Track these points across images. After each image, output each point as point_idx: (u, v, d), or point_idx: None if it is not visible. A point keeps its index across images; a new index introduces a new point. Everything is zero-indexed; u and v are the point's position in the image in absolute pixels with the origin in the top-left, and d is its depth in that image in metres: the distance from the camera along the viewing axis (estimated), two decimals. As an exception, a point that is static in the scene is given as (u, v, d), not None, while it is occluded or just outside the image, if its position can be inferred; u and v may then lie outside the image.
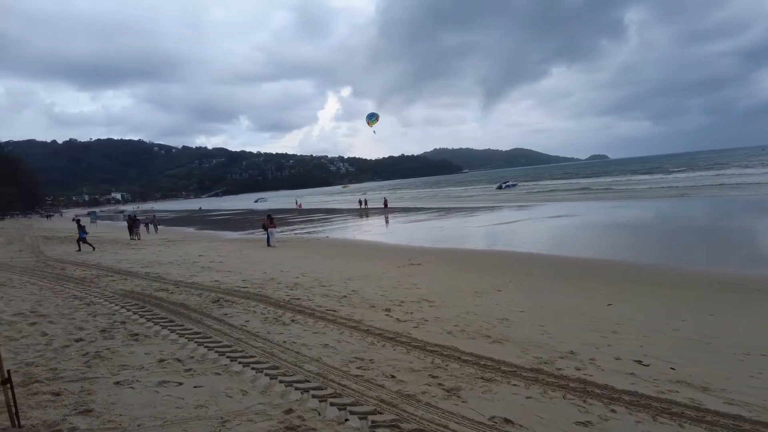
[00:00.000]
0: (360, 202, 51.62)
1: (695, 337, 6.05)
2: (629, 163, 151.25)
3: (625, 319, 6.92)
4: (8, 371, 3.82)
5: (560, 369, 4.91)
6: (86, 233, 22.12)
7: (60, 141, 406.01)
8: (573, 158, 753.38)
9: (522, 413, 3.94)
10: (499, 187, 73.03)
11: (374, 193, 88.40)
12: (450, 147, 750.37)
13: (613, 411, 3.96)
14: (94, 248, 20.57)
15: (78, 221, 24.24)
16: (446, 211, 36.45)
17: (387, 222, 32.62)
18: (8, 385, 3.77)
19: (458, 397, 4.26)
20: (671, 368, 4.94)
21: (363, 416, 3.90)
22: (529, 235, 19.68)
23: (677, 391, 4.34)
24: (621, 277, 10.43)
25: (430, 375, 4.80)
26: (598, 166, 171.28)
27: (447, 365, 5.09)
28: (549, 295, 8.78)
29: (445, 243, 18.42)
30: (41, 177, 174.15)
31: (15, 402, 3.82)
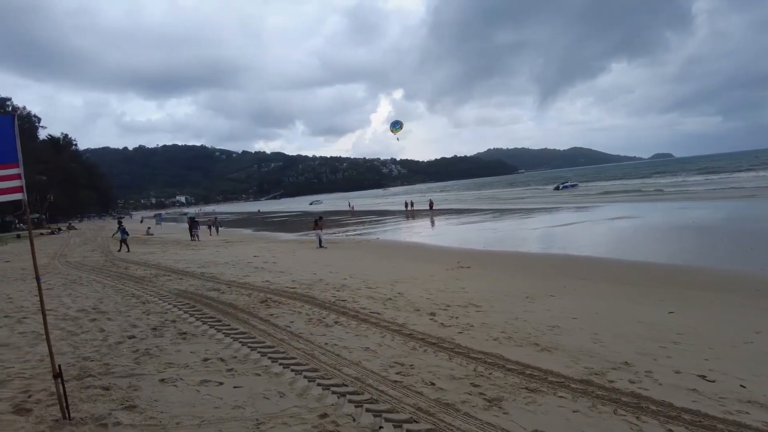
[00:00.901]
0: (406, 203, 51.90)
1: (771, 351, 5.48)
2: (696, 162, 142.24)
3: (688, 329, 6.38)
4: (59, 366, 3.99)
5: (612, 381, 4.57)
6: (127, 234, 23.38)
7: (130, 148, 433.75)
8: (635, 157, 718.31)
9: (567, 428, 3.67)
10: (557, 188, 70.54)
11: (419, 195, 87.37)
12: (504, 147, 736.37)
13: (671, 431, 3.61)
14: (127, 250, 21.74)
15: (119, 222, 25.57)
16: (500, 213, 35.62)
17: (433, 223, 32.51)
18: (59, 380, 3.95)
19: (499, 407, 4.04)
20: (741, 386, 4.47)
21: (398, 424, 3.77)
22: (587, 237, 18.84)
23: (747, 413, 3.91)
24: (685, 282, 9.70)
25: (471, 383, 4.60)
26: (662, 165, 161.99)
27: (490, 374, 4.86)
28: (605, 301, 8.29)
29: (498, 245, 17.94)
30: (115, 181, 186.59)
31: (66, 395, 4.00)
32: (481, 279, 11.02)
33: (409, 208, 49.60)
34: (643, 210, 28.24)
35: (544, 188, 79.47)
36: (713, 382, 4.57)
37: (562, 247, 16.35)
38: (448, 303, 8.31)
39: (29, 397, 4.41)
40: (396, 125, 41.71)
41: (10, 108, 67.87)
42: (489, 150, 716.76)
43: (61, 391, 3.95)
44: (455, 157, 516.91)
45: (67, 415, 3.95)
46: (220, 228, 37.69)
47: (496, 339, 6.13)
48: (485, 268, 12.54)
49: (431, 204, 46.25)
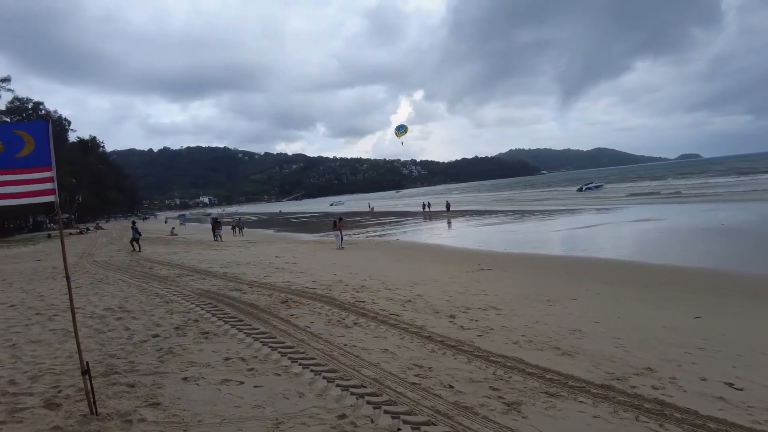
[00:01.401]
0: (423, 205, 52.26)
1: (803, 359, 5.31)
2: (725, 162, 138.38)
3: (716, 335, 6.23)
4: (87, 363, 4.11)
5: (635, 387, 4.49)
6: (140, 235, 23.89)
7: (155, 149, 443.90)
8: (660, 158, 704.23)
9: (587, 434, 3.63)
10: (580, 189, 69.37)
11: (435, 197, 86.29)
12: (526, 147, 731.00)
13: (695, 439, 3.54)
14: (140, 250, 22.38)
15: (133, 223, 26.00)
16: (521, 214, 35.26)
17: (450, 224, 32.65)
18: (87, 376, 4.07)
19: (518, 412, 4.02)
20: (771, 394, 4.35)
21: (416, 427, 3.78)
22: (610, 240, 18.50)
23: (777, 422, 3.81)
24: (712, 286, 9.45)
25: (490, 387, 4.58)
26: (688, 165, 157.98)
27: (509, 377, 4.83)
28: (628, 305, 8.14)
29: (519, 248, 17.75)
30: (140, 182, 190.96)
31: (93, 392, 4.12)
32: (502, 281, 10.92)
33: (426, 209, 49.88)
34: (668, 212, 27.62)
35: (567, 189, 78.29)
36: (741, 390, 4.45)
37: (584, 250, 16.10)
38: (467, 305, 8.28)
39: (59, 392, 4.56)
40: (401, 129, 42.82)
41: (43, 112, 69.94)
42: (511, 150, 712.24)
43: (89, 387, 4.07)
44: (476, 158, 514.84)
45: (94, 410, 4.07)
46: (243, 228, 38.16)
47: (516, 342, 6.08)
48: (506, 271, 12.43)
49: (448, 205, 46.52)
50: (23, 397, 4.47)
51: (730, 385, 4.57)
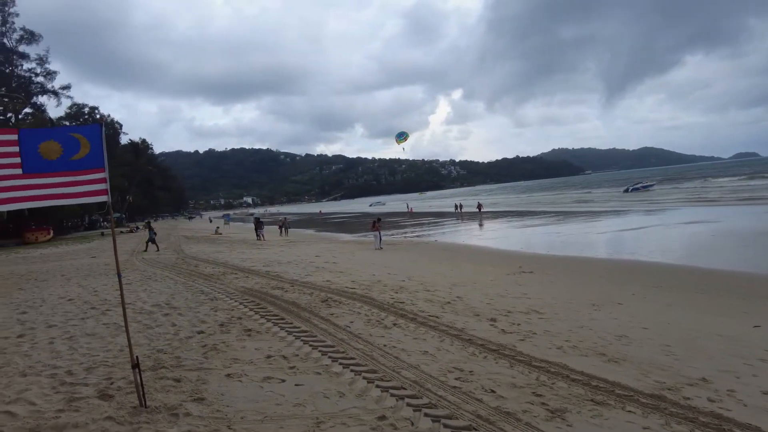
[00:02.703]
0: (456, 206, 52.39)
1: None
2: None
3: (779, 346, 5.86)
4: (137, 357, 4.27)
5: (688, 398, 4.26)
6: (155, 234, 24.65)
7: (201, 151, 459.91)
8: (713, 157, 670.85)
9: (638, 446, 3.47)
10: (626, 190, 66.83)
11: (462, 199, 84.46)
12: (570, 147, 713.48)
13: (757, 456, 3.33)
14: (146, 249, 23.07)
15: (148, 223, 26.66)
16: (565, 216, 34.35)
17: (481, 225, 32.80)
18: (137, 370, 4.23)
19: (563, 419, 3.89)
20: (841, 410, 4.05)
21: (457, 431, 3.73)
22: (659, 242, 17.74)
23: None
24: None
25: (533, 393, 4.46)
26: (744, 165, 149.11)
27: (553, 383, 4.69)
28: (679, 311, 7.78)
29: (562, 250, 17.30)
30: (186, 183, 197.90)
31: (142, 385, 4.28)
32: (544, 285, 10.66)
33: (458, 210, 50.01)
34: (722, 214, 26.23)
35: (613, 190, 75.57)
36: (808, 406, 4.16)
37: (631, 253, 15.52)
38: (509, 309, 8.11)
39: (111, 384, 4.77)
40: (401, 136, 43.41)
41: (99, 116, 73.54)
42: (554, 150, 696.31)
43: (139, 380, 4.23)
44: (517, 157, 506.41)
45: (143, 403, 4.23)
46: (289, 228, 38.83)
47: (560, 348, 5.90)
48: (548, 274, 12.12)
49: (480, 206, 46.50)
50: (79, 387, 4.70)
51: (797, 400, 4.28)
